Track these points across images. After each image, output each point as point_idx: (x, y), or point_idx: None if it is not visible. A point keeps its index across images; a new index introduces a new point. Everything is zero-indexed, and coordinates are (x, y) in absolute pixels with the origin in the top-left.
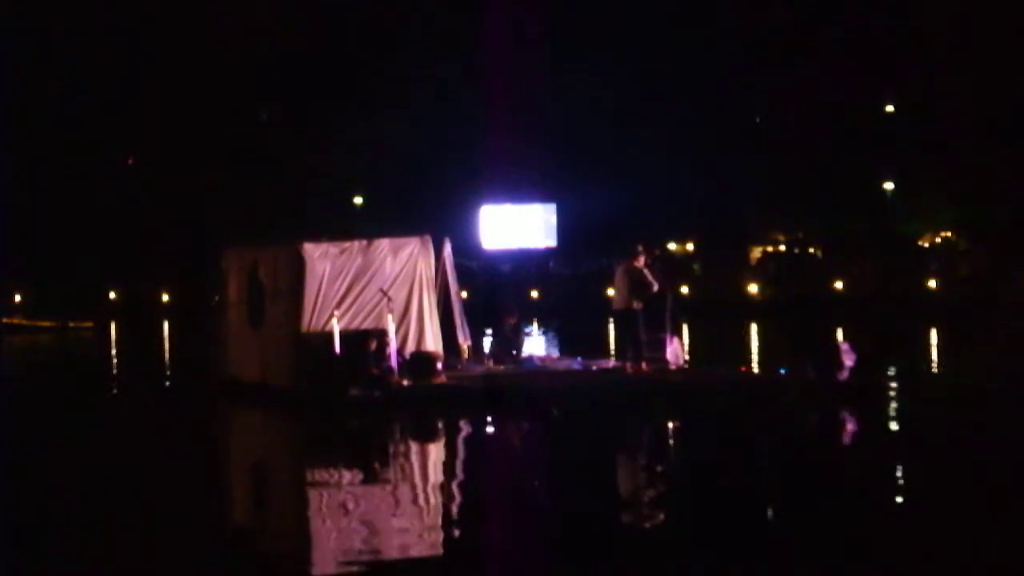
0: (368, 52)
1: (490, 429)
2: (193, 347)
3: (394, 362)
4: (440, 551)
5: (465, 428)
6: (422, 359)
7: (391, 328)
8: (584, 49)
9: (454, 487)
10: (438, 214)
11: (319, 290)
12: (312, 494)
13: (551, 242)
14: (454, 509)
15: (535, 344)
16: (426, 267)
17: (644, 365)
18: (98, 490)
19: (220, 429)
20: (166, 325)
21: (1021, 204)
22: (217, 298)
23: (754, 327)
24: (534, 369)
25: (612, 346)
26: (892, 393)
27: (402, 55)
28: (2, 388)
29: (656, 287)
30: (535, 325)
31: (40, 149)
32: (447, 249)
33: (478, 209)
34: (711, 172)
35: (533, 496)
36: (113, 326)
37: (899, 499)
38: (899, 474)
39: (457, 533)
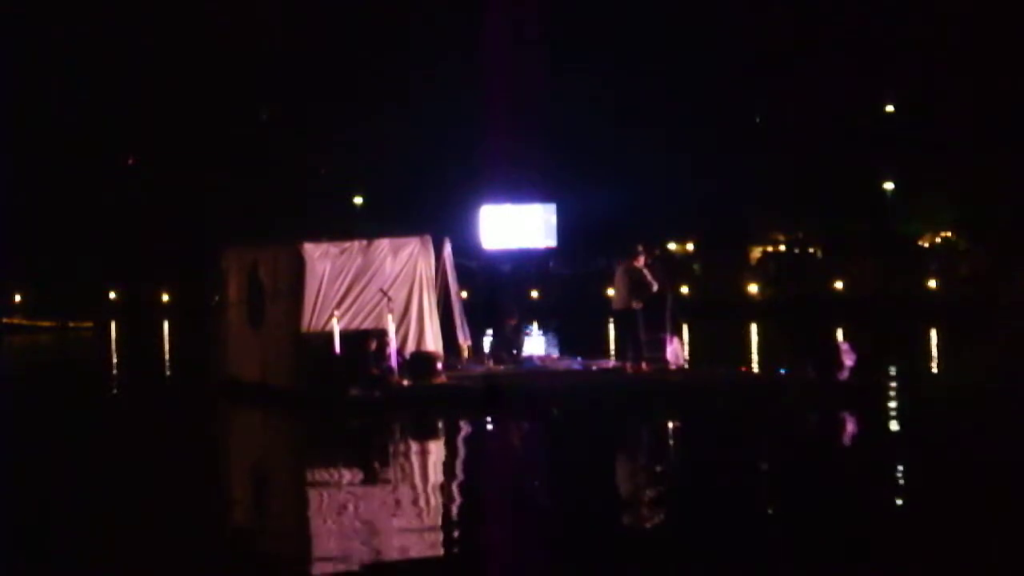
0: (368, 52)
1: (490, 429)
2: (193, 347)
3: (394, 362)
4: (440, 551)
5: (465, 428)
6: (422, 359)
7: (391, 328)
8: (584, 49)
9: (454, 487)
10: (438, 214)
11: (319, 290)
12: (312, 494)
13: (551, 242)
14: (454, 509)
15: (535, 344)
16: (426, 267)
17: (644, 365)
18: (98, 490)
19: (220, 429)
20: (166, 325)
21: (1021, 204)
22: (217, 298)
23: (754, 327)
24: (534, 369)
25: (612, 346)
26: (892, 393)
27: (402, 55)
28: (2, 388)
29: (656, 287)
30: (535, 325)
31: (40, 149)
32: (447, 249)
33: (478, 209)
34: (711, 172)
35: (533, 496)
36: (113, 326)
37: (899, 499)
38: (899, 474)
39: (457, 533)
